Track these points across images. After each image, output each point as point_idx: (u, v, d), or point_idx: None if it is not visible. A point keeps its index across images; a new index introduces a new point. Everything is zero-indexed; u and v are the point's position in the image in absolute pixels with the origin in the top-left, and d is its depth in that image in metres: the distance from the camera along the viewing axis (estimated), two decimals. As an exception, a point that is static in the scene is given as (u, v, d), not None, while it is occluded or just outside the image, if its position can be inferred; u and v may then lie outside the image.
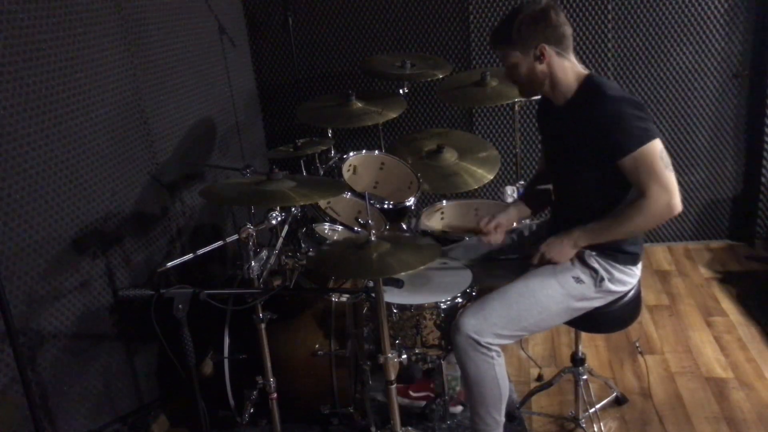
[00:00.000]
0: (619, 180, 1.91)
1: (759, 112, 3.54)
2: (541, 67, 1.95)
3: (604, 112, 1.87)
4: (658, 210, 1.86)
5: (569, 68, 1.97)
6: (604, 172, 1.92)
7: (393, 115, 2.93)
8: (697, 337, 2.96)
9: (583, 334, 2.36)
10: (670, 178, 1.86)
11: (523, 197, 2.36)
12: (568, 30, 1.96)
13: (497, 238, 2.24)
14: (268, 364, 2.14)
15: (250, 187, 2.01)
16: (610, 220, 1.95)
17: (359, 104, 2.94)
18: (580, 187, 2.04)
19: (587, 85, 1.96)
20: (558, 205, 2.23)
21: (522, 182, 3.17)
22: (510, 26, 1.94)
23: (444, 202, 3.11)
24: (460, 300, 2.18)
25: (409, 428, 2.33)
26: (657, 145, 1.85)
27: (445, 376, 2.38)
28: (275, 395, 2.18)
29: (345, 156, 2.90)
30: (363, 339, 2.37)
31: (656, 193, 1.84)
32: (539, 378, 2.74)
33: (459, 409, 2.53)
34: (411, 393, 2.61)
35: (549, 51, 1.93)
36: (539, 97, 2.15)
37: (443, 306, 2.16)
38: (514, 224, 2.33)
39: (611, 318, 2.12)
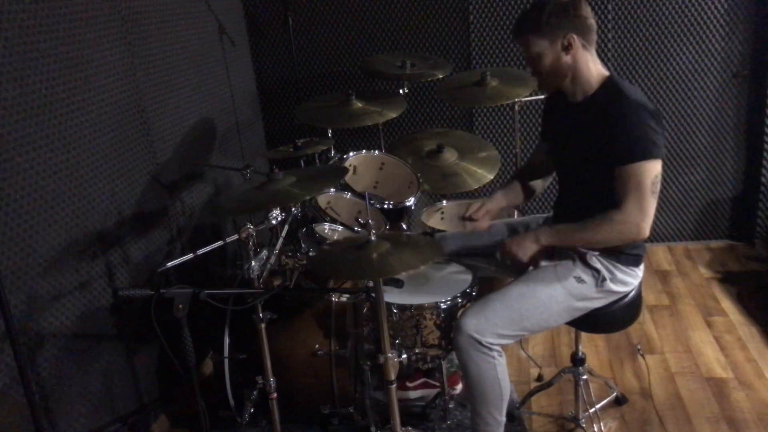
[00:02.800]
0: None
1: (759, 112, 3.55)
2: (566, 59, 1.94)
3: (622, 114, 1.86)
4: (627, 227, 1.87)
5: (592, 63, 1.97)
6: (610, 173, 1.91)
7: (393, 115, 2.93)
8: (697, 337, 2.96)
9: (583, 334, 2.36)
10: (651, 203, 1.86)
11: (516, 179, 2.35)
12: (594, 24, 1.96)
13: (483, 224, 2.22)
14: (268, 364, 2.14)
15: (253, 194, 1.99)
16: (577, 225, 1.96)
17: (359, 104, 2.94)
18: (586, 184, 2.04)
19: (609, 85, 1.96)
20: (562, 200, 2.22)
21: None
22: (539, 15, 1.92)
23: (444, 202, 3.11)
24: (460, 300, 2.19)
25: (409, 428, 2.33)
26: (656, 167, 1.85)
27: (445, 374, 2.39)
28: (275, 395, 2.18)
29: (345, 156, 2.90)
30: (363, 339, 2.37)
31: (631, 210, 1.85)
32: (539, 378, 2.74)
33: (459, 387, 2.54)
34: (408, 384, 2.62)
35: (577, 42, 1.92)
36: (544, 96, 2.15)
37: (443, 306, 2.17)
38: (505, 209, 2.31)
39: (611, 318, 2.12)
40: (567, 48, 1.93)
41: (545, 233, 2.02)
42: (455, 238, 2.40)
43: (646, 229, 1.87)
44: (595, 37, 1.97)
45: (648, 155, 1.83)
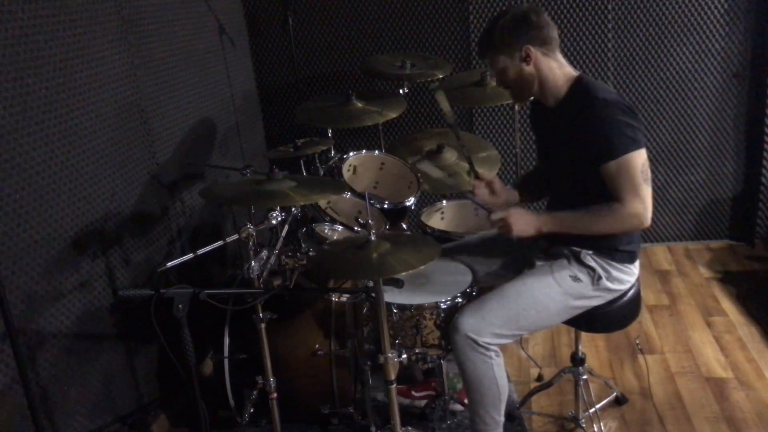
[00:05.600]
0: None
1: (759, 112, 3.54)
2: (528, 69, 1.97)
3: (593, 114, 1.88)
4: (629, 218, 1.87)
5: (557, 68, 1.98)
6: (594, 174, 1.92)
7: (393, 115, 2.93)
8: (697, 337, 2.96)
9: (583, 334, 2.36)
10: (647, 192, 1.86)
11: (518, 186, 2.36)
12: (553, 31, 1.98)
13: (483, 192, 2.23)
14: (268, 364, 2.14)
15: (250, 186, 2.02)
16: (581, 214, 1.95)
17: (359, 104, 2.94)
18: (573, 187, 2.05)
19: (577, 86, 1.97)
20: (552, 205, 2.23)
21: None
22: (492, 33, 1.97)
23: (444, 202, 3.11)
24: (460, 300, 2.19)
25: (409, 428, 2.33)
26: (641, 156, 1.86)
27: (445, 374, 2.39)
28: (275, 395, 2.18)
29: (345, 156, 2.90)
30: (363, 339, 2.37)
31: (630, 202, 1.85)
32: (539, 378, 2.74)
33: (459, 408, 2.53)
34: (413, 393, 2.61)
35: (534, 52, 1.94)
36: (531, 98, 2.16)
37: (443, 306, 2.17)
38: (503, 204, 2.32)
39: (611, 318, 2.12)
40: (526, 59, 1.95)
41: (549, 221, 1.98)
42: (462, 247, 2.40)
43: (648, 217, 1.87)
44: (556, 43, 1.98)
45: (627, 149, 1.84)
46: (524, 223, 1.98)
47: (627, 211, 1.86)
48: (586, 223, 1.94)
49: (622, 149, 1.84)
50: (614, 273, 2.03)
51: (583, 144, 1.91)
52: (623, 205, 1.86)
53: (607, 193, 1.93)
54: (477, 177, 2.27)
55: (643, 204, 1.85)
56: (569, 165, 2.01)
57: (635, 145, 1.84)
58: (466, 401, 2.53)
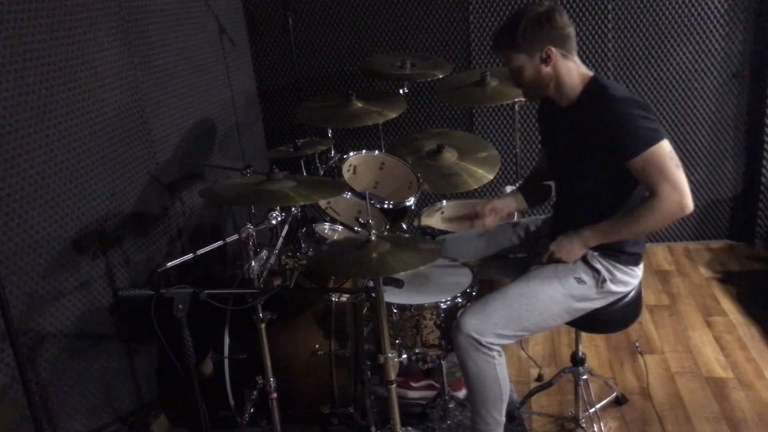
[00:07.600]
0: (624, 180, 1.91)
1: (759, 112, 3.55)
2: (546, 70, 1.94)
3: (611, 113, 1.87)
4: (670, 209, 1.85)
5: (574, 69, 1.97)
6: (610, 173, 1.92)
7: (393, 115, 2.93)
8: (697, 337, 2.96)
9: (583, 334, 2.36)
10: (681, 177, 1.85)
11: (521, 190, 2.36)
12: (572, 31, 1.96)
13: (491, 221, 2.23)
14: (268, 364, 2.14)
15: (250, 187, 2.01)
16: (621, 219, 1.94)
17: (359, 104, 2.94)
18: (585, 187, 2.04)
19: (592, 86, 1.96)
20: (560, 205, 2.22)
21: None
22: (514, 29, 1.93)
23: (444, 202, 3.11)
24: (460, 300, 2.18)
25: (409, 428, 2.33)
26: (665, 146, 1.85)
27: (445, 374, 2.39)
28: (275, 395, 2.18)
29: (345, 156, 2.90)
30: (363, 339, 2.37)
31: (667, 192, 1.84)
32: (539, 378, 2.74)
33: (463, 392, 2.53)
34: (412, 384, 2.62)
35: (555, 53, 1.92)
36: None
37: (443, 306, 2.16)
38: (512, 215, 2.32)
39: (612, 318, 2.12)
40: (546, 60, 1.93)
41: (592, 235, 1.99)
42: (460, 242, 2.40)
43: (689, 202, 1.85)
44: (574, 44, 1.97)
45: (653, 141, 1.83)
46: (572, 249, 2.02)
47: (665, 203, 1.84)
48: (628, 226, 1.93)
49: (644, 144, 1.83)
50: (618, 275, 2.03)
51: (602, 144, 1.89)
52: (659, 198, 1.84)
53: (618, 190, 1.94)
54: (476, 215, 2.25)
55: (678, 192, 1.83)
56: (584, 164, 2.00)
57: (657, 137, 1.83)
58: (463, 390, 2.54)
